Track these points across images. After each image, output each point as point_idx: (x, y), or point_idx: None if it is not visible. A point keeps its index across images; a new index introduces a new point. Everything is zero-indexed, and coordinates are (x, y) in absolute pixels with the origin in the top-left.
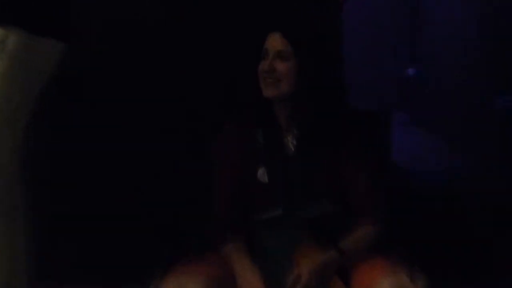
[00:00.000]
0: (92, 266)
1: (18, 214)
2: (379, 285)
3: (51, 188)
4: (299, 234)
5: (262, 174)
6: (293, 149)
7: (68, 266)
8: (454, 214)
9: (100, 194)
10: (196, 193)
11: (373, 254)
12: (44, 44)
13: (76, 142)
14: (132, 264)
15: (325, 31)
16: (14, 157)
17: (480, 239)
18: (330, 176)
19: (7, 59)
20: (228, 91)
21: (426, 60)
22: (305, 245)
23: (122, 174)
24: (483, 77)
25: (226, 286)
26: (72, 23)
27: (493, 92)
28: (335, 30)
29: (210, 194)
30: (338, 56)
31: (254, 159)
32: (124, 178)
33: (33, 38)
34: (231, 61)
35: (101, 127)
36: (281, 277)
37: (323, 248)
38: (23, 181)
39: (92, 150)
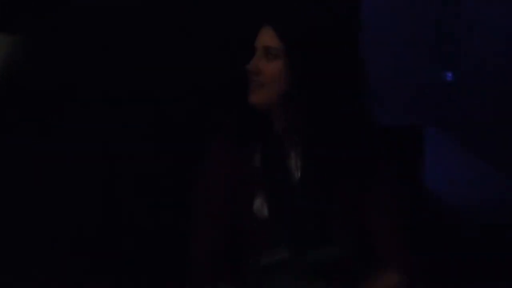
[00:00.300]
0: None
1: None
2: None
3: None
4: (308, 283)
5: (260, 206)
6: (299, 173)
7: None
8: (507, 257)
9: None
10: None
11: None
12: None
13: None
14: None
15: (335, 28)
16: None
17: None
18: (347, 209)
19: None
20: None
21: (467, 63)
22: None
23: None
24: None
25: None
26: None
27: None
28: (351, 26)
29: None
30: (353, 59)
31: (249, 186)
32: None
33: None
34: (222, 60)
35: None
36: None
37: None
38: None
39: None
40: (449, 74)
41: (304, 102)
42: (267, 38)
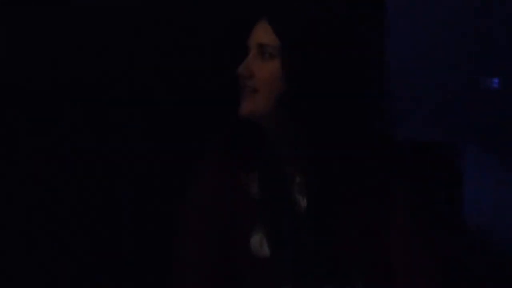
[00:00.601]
0: None
1: None
2: None
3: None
4: None
5: (258, 242)
6: (304, 202)
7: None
8: None
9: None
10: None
11: None
12: None
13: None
14: None
15: (344, 23)
16: None
17: None
18: (365, 245)
19: None
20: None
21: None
22: None
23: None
24: None
25: None
26: None
27: None
28: (367, 24)
29: None
30: (366, 62)
31: (244, 219)
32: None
33: None
34: (205, 62)
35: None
36: None
37: None
38: None
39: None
40: (495, 81)
41: (306, 111)
42: (261, 34)
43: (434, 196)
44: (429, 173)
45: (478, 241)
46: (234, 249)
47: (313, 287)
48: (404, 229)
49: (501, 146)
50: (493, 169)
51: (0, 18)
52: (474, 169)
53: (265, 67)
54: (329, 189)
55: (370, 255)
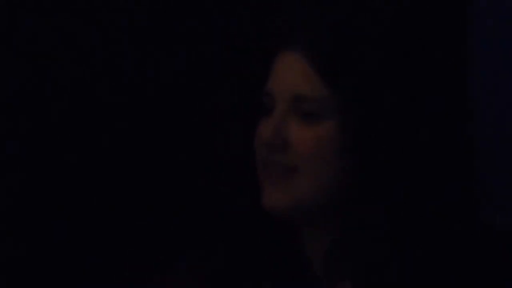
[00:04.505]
0: None
1: None
2: None
3: None
4: None
5: None
6: None
7: None
8: None
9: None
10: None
11: None
12: None
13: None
14: None
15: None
16: None
17: None
18: None
19: None
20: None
21: None
22: None
23: None
24: None
25: None
26: None
27: None
28: (454, 42)
29: None
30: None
31: None
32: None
33: None
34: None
35: None
36: None
37: None
38: None
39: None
40: None
41: (377, 209)
42: (295, 78)
43: None
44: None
45: None
46: None
47: None
48: None
49: None
50: None
51: None
52: None
53: (308, 134)
54: None
55: None
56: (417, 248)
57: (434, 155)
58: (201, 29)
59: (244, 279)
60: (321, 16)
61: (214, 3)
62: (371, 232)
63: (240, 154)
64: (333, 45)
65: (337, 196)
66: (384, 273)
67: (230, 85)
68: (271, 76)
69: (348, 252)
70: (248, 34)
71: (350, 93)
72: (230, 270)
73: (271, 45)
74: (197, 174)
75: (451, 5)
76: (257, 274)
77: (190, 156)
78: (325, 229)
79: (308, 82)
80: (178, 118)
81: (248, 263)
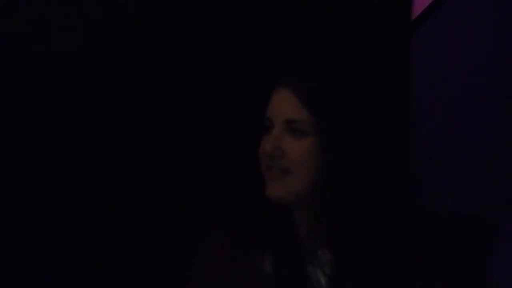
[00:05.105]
0: None
1: None
2: None
3: None
4: None
5: None
6: (324, 284)
7: None
8: None
9: None
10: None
11: None
12: None
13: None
14: None
15: (381, 79)
16: None
17: None
18: None
19: None
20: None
21: None
22: None
23: None
24: None
25: None
26: None
27: None
28: (402, 73)
29: None
30: (404, 120)
31: None
32: None
33: None
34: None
35: None
36: None
37: None
38: None
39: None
40: None
41: (344, 196)
42: (288, 108)
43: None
44: (462, 254)
45: None
46: None
47: None
48: None
49: None
50: None
51: None
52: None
53: (297, 145)
54: (354, 265)
55: None
56: (368, 219)
57: (380, 159)
58: (218, 70)
59: (252, 249)
60: (306, 66)
61: (229, 51)
62: (340, 211)
63: (250, 161)
64: (314, 85)
65: (317, 189)
66: (348, 239)
67: (241, 112)
68: (270, 105)
69: (324, 226)
70: (254, 75)
71: (325, 118)
72: (241, 243)
73: (271, 83)
74: (213, 177)
75: (395, 65)
76: (262, 245)
77: (207, 163)
78: (309, 211)
79: (296, 110)
80: (197, 146)
81: (255, 238)
